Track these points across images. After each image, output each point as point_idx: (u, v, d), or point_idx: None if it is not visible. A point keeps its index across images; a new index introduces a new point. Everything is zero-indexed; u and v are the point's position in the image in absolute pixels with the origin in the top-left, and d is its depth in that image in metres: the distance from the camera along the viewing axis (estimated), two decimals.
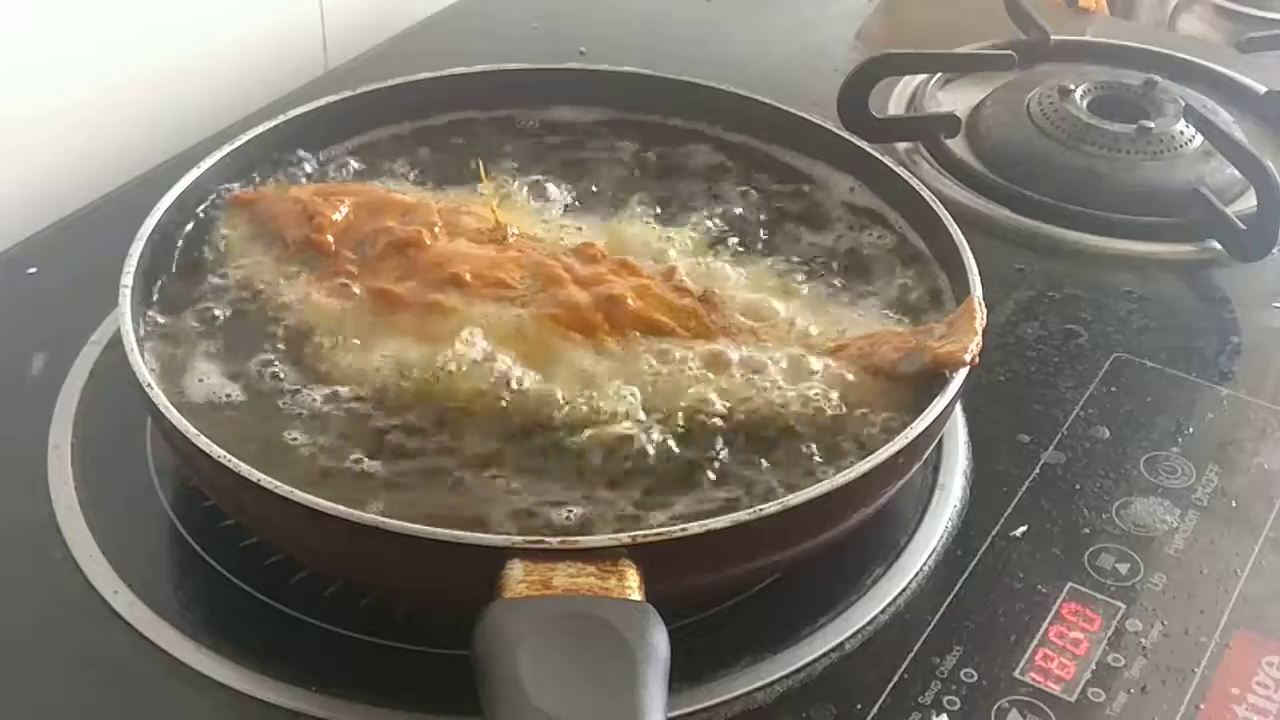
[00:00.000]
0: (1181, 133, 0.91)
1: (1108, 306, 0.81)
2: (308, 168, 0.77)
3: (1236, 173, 0.87)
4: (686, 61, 0.88)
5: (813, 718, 0.57)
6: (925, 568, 0.64)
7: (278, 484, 0.54)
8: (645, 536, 0.53)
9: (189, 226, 0.71)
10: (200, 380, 0.64)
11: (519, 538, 0.53)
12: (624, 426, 0.62)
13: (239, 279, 0.69)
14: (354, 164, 0.79)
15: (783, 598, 0.62)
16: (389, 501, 0.58)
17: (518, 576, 0.51)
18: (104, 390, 0.71)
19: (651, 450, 0.61)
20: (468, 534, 0.53)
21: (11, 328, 0.76)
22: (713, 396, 0.63)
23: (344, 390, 0.63)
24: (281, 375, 0.64)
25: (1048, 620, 0.62)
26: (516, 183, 0.77)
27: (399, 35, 1.06)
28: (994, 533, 0.66)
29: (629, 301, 0.66)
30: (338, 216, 0.71)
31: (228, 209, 0.73)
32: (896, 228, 0.75)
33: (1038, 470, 0.70)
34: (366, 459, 0.60)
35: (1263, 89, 1.00)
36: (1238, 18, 1.27)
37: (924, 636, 0.61)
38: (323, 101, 0.79)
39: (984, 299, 0.65)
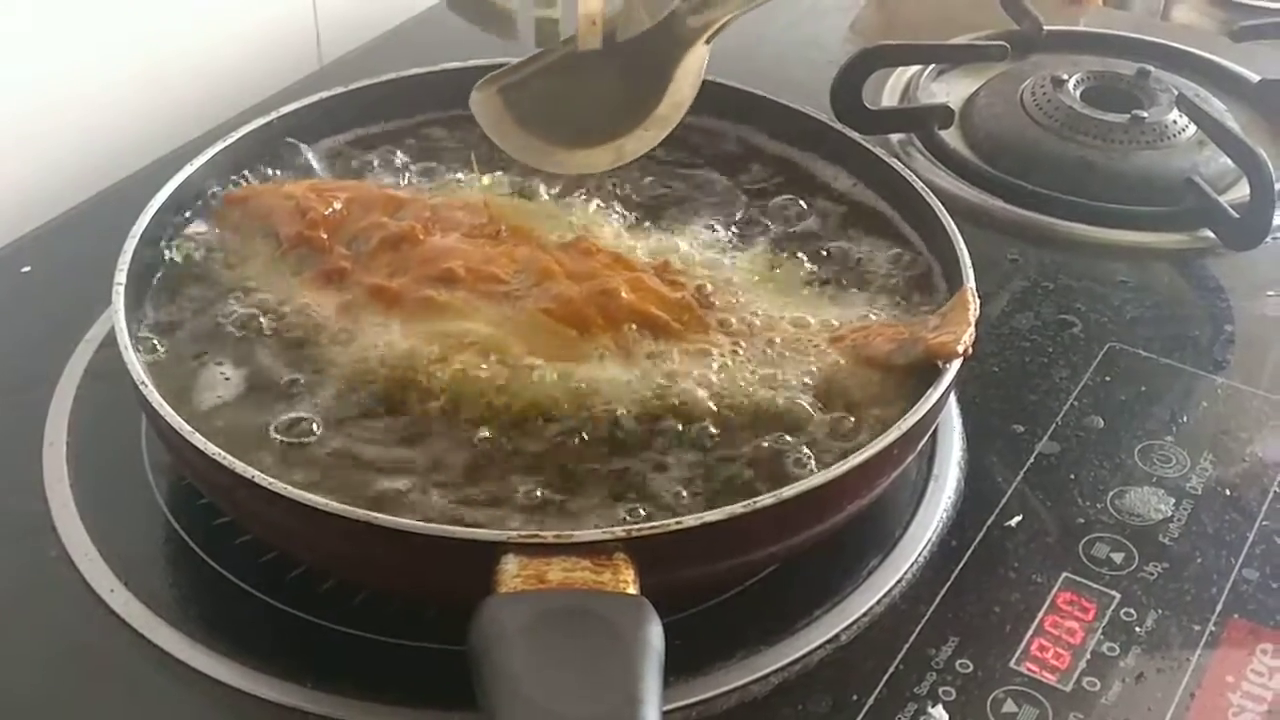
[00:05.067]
0: (1175, 122, 0.91)
1: (1102, 296, 0.81)
2: (301, 164, 0.77)
3: (1230, 162, 0.87)
4: None
5: (809, 709, 0.57)
6: (920, 559, 0.64)
7: (272, 481, 0.55)
8: (640, 530, 0.53)
9: (183, 224, 0.71)
10: (194, 377, 0.64)
11: (513, 532, 0.54)
12: (619, 419, 0.62)
13: (233, 276, 0.69)
14: (347, 160, 0.79)
15: (778, 590, 0.62)
16: (383, 497, 0.58)
17: (513, 571, 0.51)
18: (99, 388, 0.71)
19: (646, 443, 0.61)
20: (462, 529, 0.54)
21: (6, 326, 0.76)
22: (707, 389, 0.63)
23: (338, 385, 0.63)
24: (275, 371, 0.64)
25: (1043, 610, 0.62)
26: (510, 178, 0.77)
27: (392, 31, 1.06)
28: (989, 523, 0.66)
29: (622, 295, 0.66)
30: (331, 212, 0.71)
31: (221, 206, 0.73)
32: (890, 219, 0.75)
33: (1032, 460, 0.70)
34: (361, 455, 0.60)
35: (1255, 78, 1.00)
36: (1230, 7, 1.27)
37: (919, 627, 0.61)
38: (316, 97, 0.79)
39: (977, 289, 0.65)
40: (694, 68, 0.70)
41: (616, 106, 0.71)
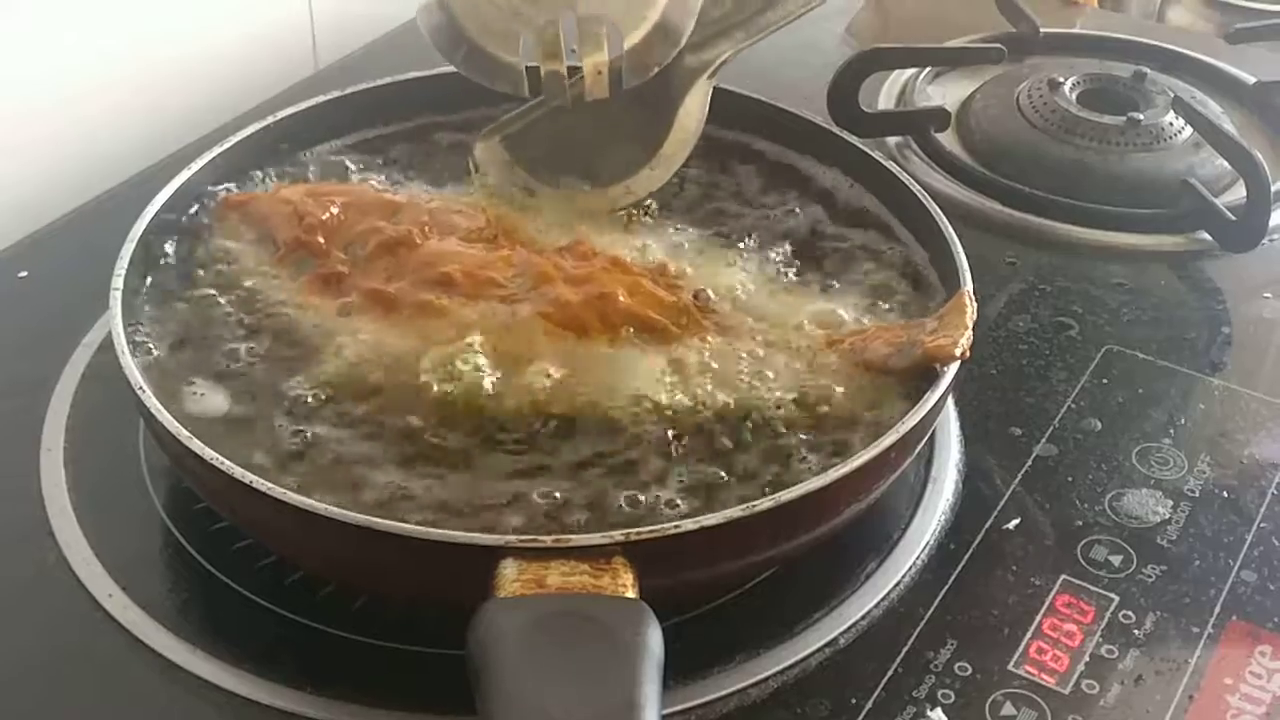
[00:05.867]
0: (1171, 124, 0.91)
1: (1099, 299, 0.81)
2: (298, 168, 0.77)
3: (1226, 164, 0.87)
4: None
5: (807, 713, 0.57)
6: (919, 562, 0.64)
7: (271, 486, 0.54)
8: (638, 534, 0.53)
9: (180, 228, 0.71)
10: (192, 382, 0.64)
11: (512, 537, 0.54)
12: (616, 423, 0.62)
13: (230, 280, 0.69)
14: (345, 164, 0.78)
15: (776, 593, 0.62)
16: (382, 501, 0.58)
17: (511, 575, 0.51)
18: (96, 393, 0.71)
19: (644, 447, 0.61)
20: (461, 533, 0.53)
21: (3, 331, 0.76)
22: (703, 392, 0.63)
23: (336, 390, 0.63)
24: (273, 375, 0.64)
25: (1041, 612, 0.62)
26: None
27: (389, 35, 1.06)
28: (987, 526, 0.66)
29: (620, 299, 0.66)
30: (328, 217, 0.71)
31: (218, 210, 0.73)
32: (887, 222, 0.75)
33: (1030, 463, 0.70)
34: (359, 459, 0.60)
35: (1251, 80, 1.00)
36: (1226, 9, 1.27)
37: (918, 630, 0.61)
38: (312, 102, 0.79)
39: (975, 292, 0.65)
40: (698, 104, 0.71)
41: (622, 148, 0.73)
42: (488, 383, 0.62)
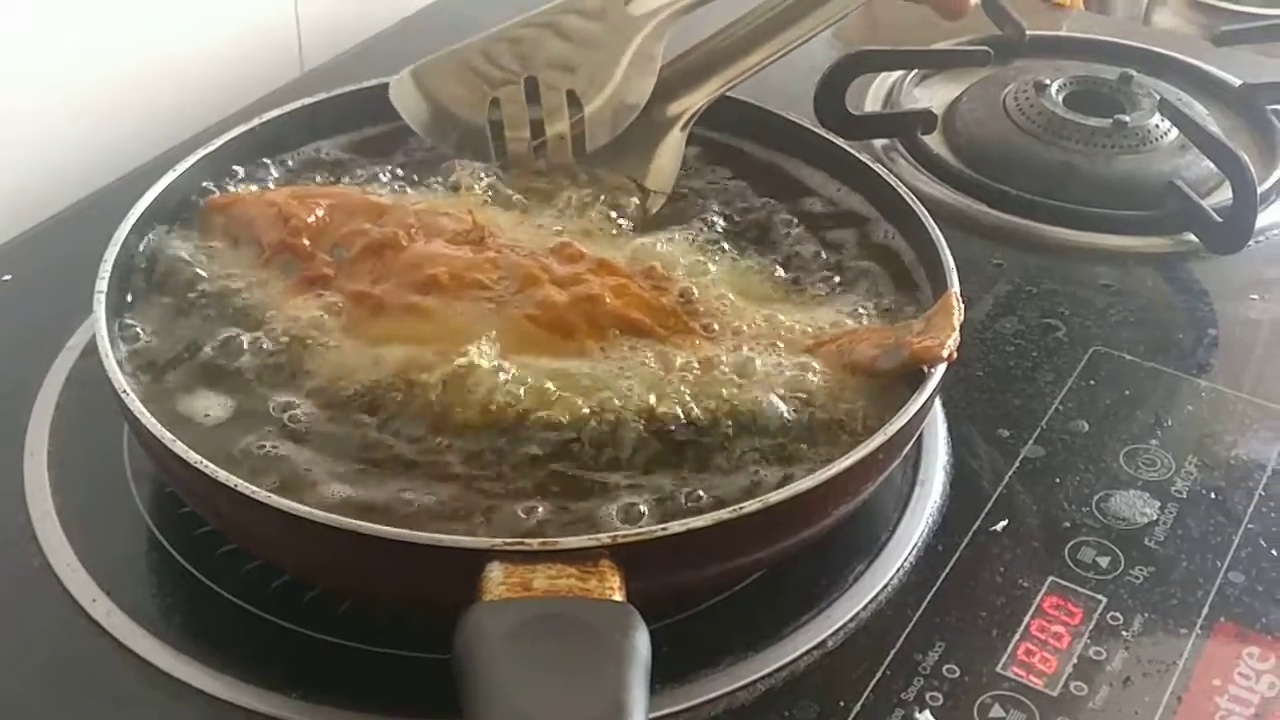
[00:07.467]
0: (1157, 126, 0.91)
1: (1086, 300, 0.82)
2: (283, 171, 0.77)
3: (1212, 166, 0.87)
4: (663, 60, 0.88)
5: (796, 716, 0.57)
6: (906, 564, 0.64)
7: (255, 489, 0.54)
8: (625, 537, 0.53)
9: (165, 231, 0.71)
10: (176, 385, 0.63)
11: (498, 540, 0.53)
12: (602, 426, 0.61)
13: (215, 283, 0.69)
14: (330, 166, 0.78)
15: (764, 596, 0.62)
16: (368, 505, 0.58)
17: (498, 579, 0.51)
18: (80, 396, 0.71)
19: (631, 450, 0.61)
20: (446, 537, 0.53)
21: None
22: (691, 394, 0.63)
23: (321, 393, 0.63)
24: (257, 378, 0.64)
25: (1029, 614, 0.62)
26: (494, 184, 0.77)
27: (374, 37, 1.06)
28: (974, 528, 0.66)
29: (607, 301, 0.66)
30: (314, 219, 0.71)
31: (203, 213, 0.73)
32: (874, 224, 0.75)
33: (1017, 464, 0.70)
34: (345, 463, 0.60)
35: (1237, 82, 1.00)
36: (1212, 11, 1.27)
37: (906, 633, 0.61)
38: (298, 104, 0.78)
39: (962, 294, 0.65)
40: (672, 150, 0.76)
41: None
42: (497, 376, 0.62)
